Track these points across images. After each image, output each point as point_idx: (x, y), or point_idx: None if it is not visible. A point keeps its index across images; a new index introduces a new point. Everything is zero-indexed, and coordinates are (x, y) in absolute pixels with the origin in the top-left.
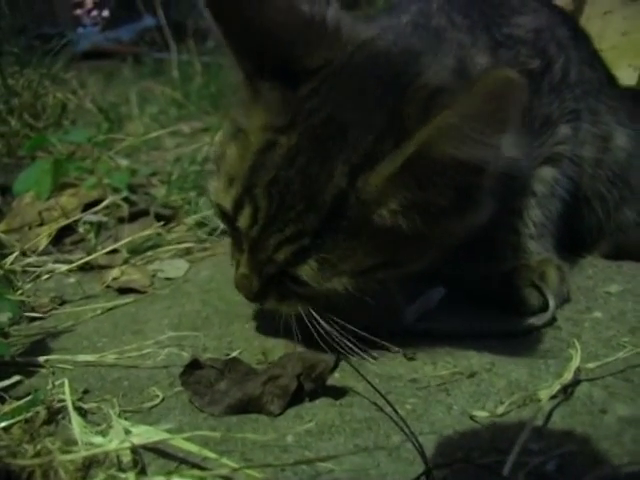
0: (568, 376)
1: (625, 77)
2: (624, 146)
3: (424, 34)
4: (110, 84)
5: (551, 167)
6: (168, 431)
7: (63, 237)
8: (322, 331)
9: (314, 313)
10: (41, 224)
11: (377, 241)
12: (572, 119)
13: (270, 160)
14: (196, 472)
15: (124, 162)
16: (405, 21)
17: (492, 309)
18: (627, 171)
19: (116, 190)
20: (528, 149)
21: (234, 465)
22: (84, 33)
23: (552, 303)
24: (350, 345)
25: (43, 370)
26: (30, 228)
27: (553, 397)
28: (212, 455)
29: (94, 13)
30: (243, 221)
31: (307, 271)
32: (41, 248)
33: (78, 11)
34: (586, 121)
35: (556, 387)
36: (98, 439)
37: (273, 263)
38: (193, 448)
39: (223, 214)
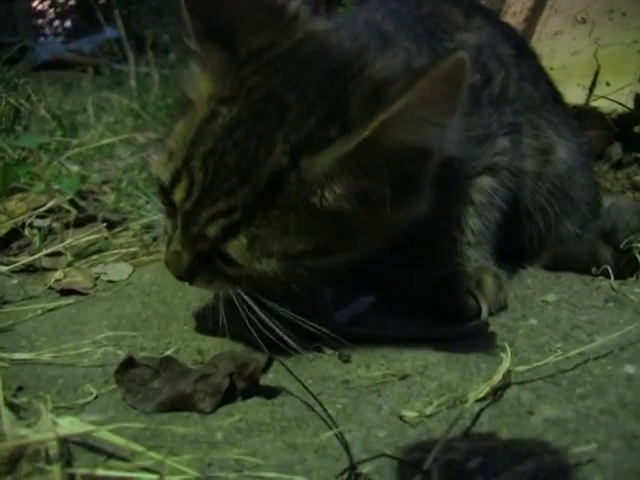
0: (497, 379)
1: (574, 96)
2: (566, 159)
3: (374, 35)
4: (68, 94)
5: (489, 177)
6: (95, 423)
7: (10, 241)
8: (252, 317)
9: (244, 295)
10: None
11: (311, 224)
12: (511, 132)
13: (209, 131)
14: (122, 464)
15: (75, 168)
16: (359, 22)
17: (427, 314)
18: (568, 184)
19: (65, 196)
20: (466, 138)
21: (160, 458)
22: (45, 43)
23: (485, 309)
24: (280, 334)
25: None
26: None
27: (482, 399)
28: (139, 448)
29: (56, 23)
30: (178, 194)
31: (237, 247)
32: None
33: (39, 21)
34: (527, 135)
35: (485, 389)
36: (25, 431)
37: (204, 239)
38: (121, 441)
39: (161, 188)
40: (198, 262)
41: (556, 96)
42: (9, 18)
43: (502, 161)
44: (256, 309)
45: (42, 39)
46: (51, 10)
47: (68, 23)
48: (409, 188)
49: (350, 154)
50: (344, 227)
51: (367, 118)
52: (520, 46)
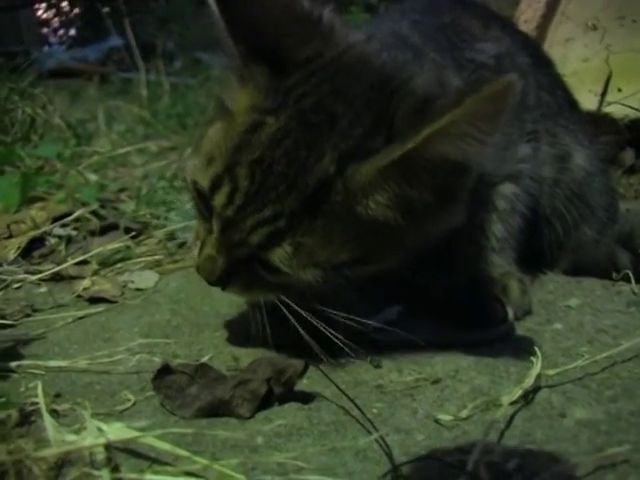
0: (529, 382)
1: (586, 102)
2: (583, 165)
3: (405, 47)
4: (76, 102)
5: (512, 184)
6: (141, 429)
7: (31, 250)
8: (298, 320)
9: (287, 300)
10: (9, 237)
11: (355, 233)
12: (531, 139)
13: (256, 140)
14: (169, 469)
15: (93, 177)
16: (387, 33)
17: (453, 320)
18: (586, 190)
19: (85, 204)
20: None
21: (207, 462)
22: (50, 52)
23: (511, 315)
24: (330, 333)
25: (15, 375)
26: None
27: (514, 402)
28: (184, 453)
29: (61, 32)
30: (219, 200)
31: (280, 255)
32: (10, 259)
33: (44, 30)
34: (545, 142)
35: (517, 392)
36: (71, 437)
37: (246, 245)
38: (165, 446)
39: (198, 193)
40: (233, 268)
41: (572, 103)
42: (14, 27)
43: (524, 168)
44: (301, 311)
45: (47, 48)
46: (56, 19)
47: (73, 32)
48: (448, 199)
49: (394, 164)
50: (385, 237)
51: (413, 130)
52: (537, 54)
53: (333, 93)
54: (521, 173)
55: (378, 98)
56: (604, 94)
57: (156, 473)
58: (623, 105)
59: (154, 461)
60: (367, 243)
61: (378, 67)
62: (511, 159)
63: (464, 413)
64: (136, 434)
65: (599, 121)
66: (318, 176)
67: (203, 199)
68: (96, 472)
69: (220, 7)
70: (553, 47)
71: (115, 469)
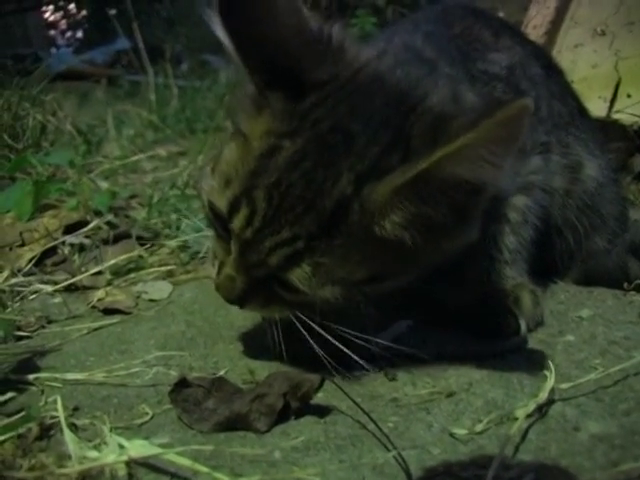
0: (543, 396)
1: (595, 108)
2: (595, 176)
3: (420, 62)
4: (84, 106)
5: (524, 196)
6: (162, 446)
7: (44, 258)
8: (312, 336)
9: (303, 316)
10: (22, 245)
11: (372, 251)
12: (543, 151)
13: (273, 163)
14: None
15: (104, 184)
16: (400, 47)
17: (466, 333)
18: (597, 200)
19: (96, 212)
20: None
21: (226, 478)
22: (59, 54)
23: (524, 327)
24: (344, 350)
25: (33, 388)
26: (11, 249)
27: (529, 416)
28: (203, 469)
29: (68, 34)
30: (237, 222)
31: (299, 275)
32: (24, 269)
33: (52, 32)
34: (556, 153)
35: (532, 406)
36: (93, 453)
37: (264, 266)
38: (185, 462)
39: (215, 214)
40: (252, 287)
41: (582, 111)
42: (22, 30)
43: (536, 180)
44: (317, 328)
45: (54, 50)
46: (63, 21)
47: (80, 34)
48: (463, 218)
49: (408, 184)
50: (401, 255)
51: (428, 151)
52: (548, 64)
53: (349, 114)
54: (533, 185)
55: (394, 117)
56: (613, 100)
57: None
58: (630, 114)
59: (173, 476)
60: (384, 261)
61: (393, 85)
62: (523, 171)
63: (479, 427)
64: (157, 451)
65: (608, 127)
66: (336, 197)
67: (220, 220)
68: None
69: (234, 41)
70: (562, 53)
71: None
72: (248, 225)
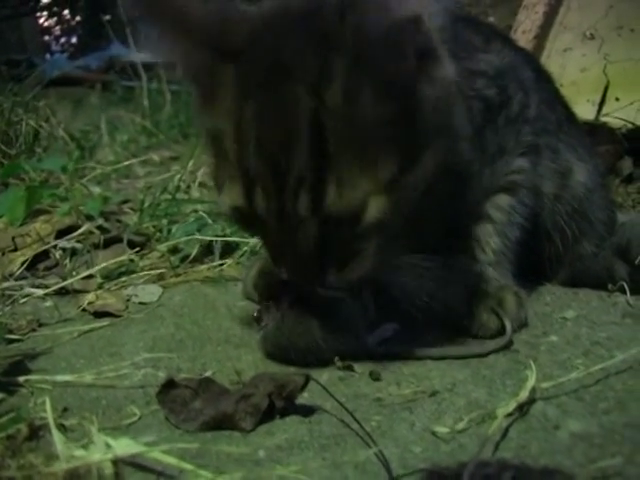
0: (524, 395)
1: (584, 112)
2: (584, 181)
3: None
4: (78, 111)
5: (507, 195)
6: (147, 444)
7: (36, 262)
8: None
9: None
10: (14, 249)
11: (372, 140)
12: (529, 152)
13: (244, 135)
14: None
15: (96, 189)
16: None
17: (450, 334)
18: (586, 206)
19: (88, 217)
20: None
21: (210, 476)
22: (53, 60)
23: (509, 328)
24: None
25: (23, 390)
26: (3, 253)
27: (510, 414)
28: (188, 467)
29: (62, 40)
30: (260, 201)
31: (334, 200)
32: (16, 273)
33: (46, 38)
34: (546, 158)
35: (512, 405)
36: (80, 452)
37: (305, 220)
38: (171, 460)
39: (245, 216)
40: (321, 254)
41: (571, 117)
42: (16, 35)
43: (519, 180)
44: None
45: (49, 56)
46: (57, 27)
47: (74, 40)
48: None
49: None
50: (400, 134)
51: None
52: (538, 69)
53: (279, 50)
54: (516, 184)
55: (314, 28)
56: (602, 103)
57: None
58: (618, 118)
59: (160, 474)
60: (392, 148)
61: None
62: (505, 170)
63: (460, 426)
64: (143, 449)
65: (597, 130)
66: (306, 116)
67: (252, 217)
68: None
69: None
70: (551, 57)
71: None
72: (268, 197)
